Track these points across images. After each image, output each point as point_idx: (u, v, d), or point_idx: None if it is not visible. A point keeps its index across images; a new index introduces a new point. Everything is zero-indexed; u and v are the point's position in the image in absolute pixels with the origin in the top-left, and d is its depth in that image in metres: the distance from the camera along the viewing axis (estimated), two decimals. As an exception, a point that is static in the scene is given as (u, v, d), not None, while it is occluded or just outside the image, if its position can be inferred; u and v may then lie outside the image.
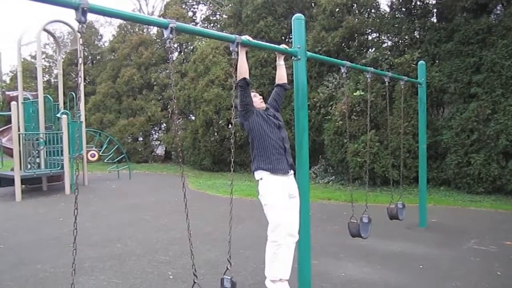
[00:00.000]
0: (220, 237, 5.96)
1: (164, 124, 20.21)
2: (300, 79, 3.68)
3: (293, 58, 3.70)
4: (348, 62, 4.46)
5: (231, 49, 3.16)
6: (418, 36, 11.16)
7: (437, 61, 10.61)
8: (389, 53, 11.21)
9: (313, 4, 14.43)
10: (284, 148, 3.62)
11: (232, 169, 3.34)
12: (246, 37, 3.27)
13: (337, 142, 10.91)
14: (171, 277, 4.42)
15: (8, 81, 31.48)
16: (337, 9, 12.42)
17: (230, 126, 14.92)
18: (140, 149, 19.39)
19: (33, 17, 47.99)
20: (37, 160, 11.08)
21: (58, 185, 11.61)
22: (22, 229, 6.83)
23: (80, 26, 2.22)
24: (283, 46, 3.74)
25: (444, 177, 9.96)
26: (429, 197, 8.26)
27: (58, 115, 11.20)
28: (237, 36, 3.16)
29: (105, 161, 15.54)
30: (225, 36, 3.29)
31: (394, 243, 5.63)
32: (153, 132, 20.85)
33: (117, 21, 24.01)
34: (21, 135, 10.73)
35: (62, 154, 10.66)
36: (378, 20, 11.75)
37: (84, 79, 22.93)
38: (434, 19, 11.43)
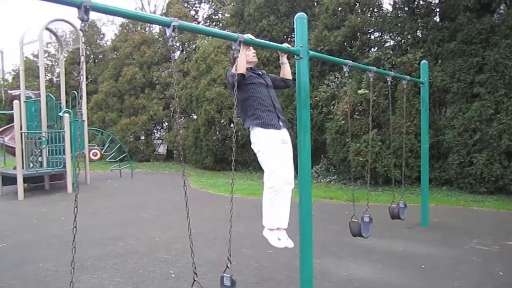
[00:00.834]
0: (222, 236, 5.96)
1: (166, 123, 20.24)
2: (302, 78, 3.67)
3: (295, 57, 3.69)
4: (351, 61, 4.45)
5: (233, 47, 3.16)
6: (420, 36, 11.13)
7: (439, 61, 10.58)
8: (391, 52, 11.18)
9: (315, 3, 14.41)
10: (273, 105, 3.67)
11: (233, 168, 3.34)
12: (248, 36, 3.26)
13: (339, 142, 10.90)
14: (173, 275, 4.43)
15: (10, 80, 31.57)
16: (339, 8, 12.40)
17: (232, 125, 14.93)
18: (142, 148, 19.41)
19: (36, 16, 48.07)
20: (39, 158, 11.11)
21: (60, 184, 11.63)
22: (24, 227, 6.85)
23: (83, 24, 2.21)
24: (285, 45, 3.74)
25: (446, 177, 9.94)
26: (431, 197, 8.25)
27: (60, 114, 11.22)
28: (239, 34, 3.15)
29: (107, 160, 15.56)
30: (227, 35, 3.29)
31: (395, 242, 5.62)
32: (155, 131, 20.88)
33: (119, 20, 24.06)
34: (23, 134, 10.76)
35: (64, 153, 10.67)
36: (380, 19, 11.73)
37: (86, 78, 22.96)
38: (437, 19, 11.40)
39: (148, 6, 26.62)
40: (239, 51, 3.18)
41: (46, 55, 25.44)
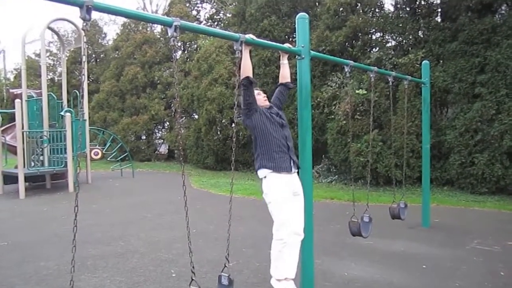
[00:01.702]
0: (223, 235, 5.96)
1: (168, 123, 20.24)
2: (303, 78, 3.68)
3: (296, 57, 3.70)
4: (352, 62, 4.45)
5: (235, 47, 3.15)
6: (422, 36, 11.12)
7: (441, 61, 10.57)
8: (393, 52, 11.19)
9: (317, 3, 14.40)
10: (287, 146, 3.60)
11: (233, 168, 3.34)
12: (250, 36, 3.26)
13: (340, 142, 10.90)
14: (174, 275, 4.43)
15: (12, 79, 31.60)
16: (341, 8, 12.40)
17: (233, 125, 14.93)
18: (143, 148, 19.43)
19: (38, 15, 48.15)
20: (41, 158, 11.12)
21: (61, 183, 11.64)
22: (25, 226, 6.86)
23: (85, 24, 2.22)
24: (287, 45, 3.74)
25: (448, 177, 9.94)
26: (432, 197, 8.25)
27: (62, 113, 11.23)
28: (241, 34, 3.16)
29: (108, 159, 15.58)
30: (229, 35, 3.29)
31: (397, 242, 5.62)
32: (156, 131, 20.89)
33: (121, 20, 24.04)
34: (25, 133, 10.78)
35: (65, 152, 10.69)
36: (382, 20, 11.73)
37: (88, 77, 22.97)
38: (439, 19, 11.39)
39: (150, 6, 26.63)
40: (241, 51, 3.17)
41: (48, 54, 25.44)
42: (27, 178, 10.25)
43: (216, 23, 21.00)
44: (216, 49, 15.30)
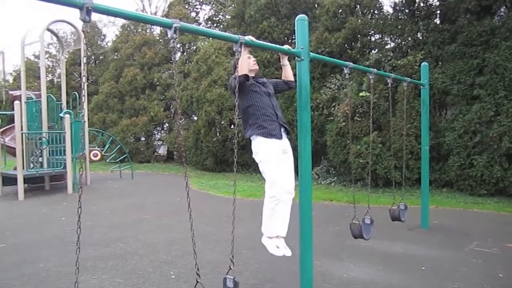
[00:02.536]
0: (222, 237, 5.96)
1: (167, 124, 20.24)
2: (303, 79, 3.68)
3: (296, 58, 3.70)
4: (351, 63, 4.45)
5: (234, 49, 3.16)
6: (421, 38, 11.14)
7: (440, 63, 10.59)
8: (392, 54, 11.20)
9: (316, 5, 14.43)
10: (275, 114, 3.67)
11: (235, 169, 3.33)
12: (249, 38, 3.27)
13: (340, 143, 10.91)
14: (173, 277, 4.43)
15: (11, 81, 31.58)
16: (340, 10, 12.42)
17: (232, 126, 14.94)
18: (142, 149, 19.41)
19: (37, 17, 48.15)
20: (40, 159, 11.11)
21: (60, 185, 11.64)
22: (24, 228, 6.86)
23: (84, 25, 2.22)
24: (286, 46, 3.75)
25: (447, 178, 9.95)
26: (432, 199, 8.25)
27: (61, 114, 11.23)
28: (240, 36, 3.16)
29: (108, 160, 15.58)
30: (228, 36, 3.29)
31: (396, 244, 5.63)
32: (156, 132, 20.89)
33: (120, 21, 24.13)
34: (24, 135, 10.77)
35: (64, 154, 10.68)
36: (381, 22, 11.74)
37: (87, 79, 22.99)
38: (438, 21, 11.41)
39: (149, 8, 26.67)
40: (240, 52, 3.18)
41: (47, 56, 25.48)
42: (26, 180, 10.24)
43: (215, 25, 21.04)
44: (215, 50, 15.32)
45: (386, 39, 12.06)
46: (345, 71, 4.40)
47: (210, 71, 15.15)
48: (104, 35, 26.96)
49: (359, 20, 11.94)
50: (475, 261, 4.89)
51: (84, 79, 2.44)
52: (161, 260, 4.99)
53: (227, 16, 19.00)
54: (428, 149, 6.71)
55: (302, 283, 3.68)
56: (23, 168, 10.24)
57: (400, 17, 11.55)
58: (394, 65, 10.61)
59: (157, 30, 21.67)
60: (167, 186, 11.99)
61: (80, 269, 4.52)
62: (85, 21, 2.20)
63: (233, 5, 16.93)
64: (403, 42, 11.48)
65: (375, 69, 5.05)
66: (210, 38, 15.91)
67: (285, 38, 14.29)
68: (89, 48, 24.05)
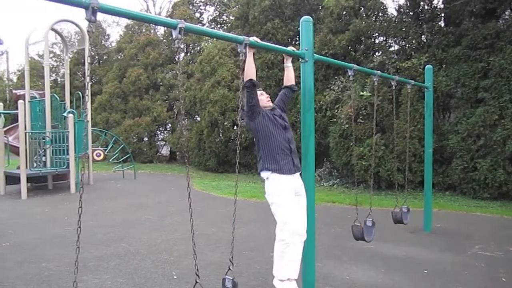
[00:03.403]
0: (224, 238, 5.96)
1: (170, 125, 20.27)
2: (307, 81, 3.68)
3: (300, 60, 3.70)
4: (355, 65, 4.45)
5: (238, 50, 3.16)
6: (425, 40, 11.12)
7: (444, 66, 10.56)
8: (396, 56, 11.19)
9: (320, 6, 14.42)
10: (290, 148, 3.58)
11: (237, 170, 3.33)
12: (254, 39, 3.26)
13: (343, 145, 10.90)
14: (175, 277, 4.43)
15: (15, 80, 31.71)
16: (344, 12, 12.42)
17: (235, 127, 14.94)
18: (145, 149, 19.44)
19: (41, 16, 48.33)
20: (43, 158, 11.14)
21: (63, 184, 11.66)
22: (27, 227, 6.87)
23: (89, 25, 2.23)
24: (290, 48, 3.74)
25: (450, 182, 9.92)
26: (434, 202, 8.22)
27: (65, 114, 11.26)
28: (245, 37, 3.16)
29: (110, 160, 15.60)
30: (233, 37, 3.29)
31: (398, 247, 5.61)
32: (159, 133, 20.91)
33: (125, 21, 24.16)
34: (27, 134, 10.80)
35: (68, 153, 10.71)
36: (385, 24, 11.73)
37: (91, 78, 23.05)
38: (442, 24, 11.40)
39: (153, 8, 26.71)
40: (245, 54, 3.18)
41: (51, 55, 25.53)
42: (29, 179, 10.27)
43: (219, 26, 21.05)
44: (219, 51, 15.33)
45: (390, 41, 12.05)
46: (349, 73, 4.40)
47: (213, 71, 15.16)
48: (108, 35, 27.05)
49: (363, 22, 11.93)
50: (478, 265, 4.87)
51: (87, 78, 2.44)
52: (163, 260, 4.99)
53: (231, 17, 19.01)
54: (432, 152, 6.69)
55: (305, 285, 3.68)
56: (26, 167, 10.27)
57: (404, 19, 11.53)
58: (398, 67, 10.59)
59: (161, 30, 21.72)
60: (169, 186, 12.00)
61: (82, 269, 4.56)
62: (91, 21, 2.21)
63: (237, 6, 16.94)
64: (407, 45, 11.46)
65: (379, 71, 5.05)
66: (214, 39, 15.94)
67: (289, 39, 14.29)
68: (93, 48, 24.10)
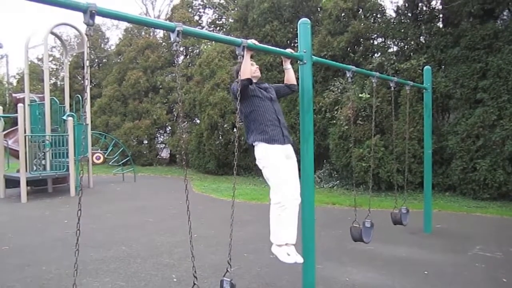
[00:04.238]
0: (224, 240, 5.95)
1: (169, 127, 20.27)
2: (305, 83, 3.69)
3: (298, 62, 3.71)
4: (354, 67, 4.46)
5: (237, 52, 3.17)
6: (424, 41, 11.14)
7: (443, 67, 10.58)
8: (394, 58, 11.20)
9: (319, 8, 14.45)
10: (278, 119, 3.65)
11: (234, 173, 3.32)
12: (252, 41, 3.27)
13: (342, 147, 10.90)
14: (175, 280, 4.43)
15: (15, 83, 31.71)
16: (342, 14, 12.44)
17: (235, 129, 14.95)
18: (145, 152, 19.44)
19: (41, 20, 48.39)
20: (43, 162, 11.14)
21: (63, 187, 11.66)
22: (27, 230, 6.87)
23: (88, 29, 2.24)
24: (289, 50, 3.75)
25: (449, 182, 9.92)
26: (434, 203, 8.22)
27: (64, 117, 11.26)
28: (243, 39, 3.17)
29: (110, 163, 15.59)
30: (231, 40, 3.30)
31: (398, 248, 5.61)
32: (158, 135, 20.90)
33: (124, 25, 24.17)
34: (27, 137, 10.81)
35: (67, 156, 10.71)
36: (384, 25, 11.75)
37: (90, 82, 23.05)
38: (440, 24, 11.41)
39: (152, 11, 26.75)
40: (243, 56, 3.19)
41: (51, 59, 25.57)
42: (29, 182, 10.26)
43: (218, 29, 21.08)
44: (218, 54, 15.35)
45: (389, 42, 12.06)
46: (348, 75, 4.41)
47: (213, 74, 15.18)
48: (108, 39, 27.08)
49: (362, 24, 11.94)
50: (478, 266, 4.87)
51: (87, 81, 2.45)
52: (163, 263, 4.99)
53: (230, 20, 19.03)
54: (431, 153, 6.70)
55: (304, 286, 3.68)
56: (26, 170, 10.27)
57: (403, 20, 11.55)
58: (397, 68, 10.61)
59: (160, 33, 21.74)
60: (169, 189, 12.00)
61: (82, 272, 4.56)
62: (89, 25, 2.21)
63: (236, 9, 16.97)
64: (406, 46, 11.48)
65: (377, 73, 5.05)
66: (213, 42, 15.96)
67: (288, 41, 14.31)
68: (92, 51, 24.14)
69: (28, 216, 8.05)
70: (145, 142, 20.08)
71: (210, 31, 20.28)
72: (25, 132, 10.65)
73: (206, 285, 4.11)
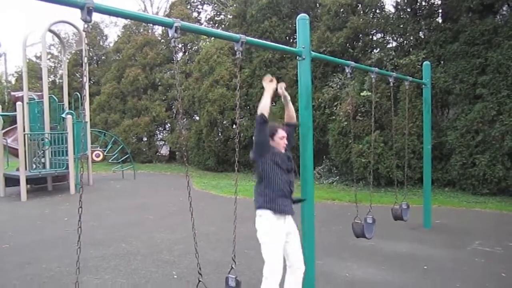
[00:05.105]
0: (224, 237, 5.96)
1: (169, 124, 20.26)
2: (304, 79, 3.68)
3: (297, 58, 3.70)
4: (353, 62, 4.45)
5: (235, 48, 3.15)
6: (423, 37, 11.11)
7: (442, 62, 10.56)
8: (394, 53, 11.18)
9: (317, 4, 14.42)
10: (290, 191, 3.46)
11: (236, 169, 3.28)
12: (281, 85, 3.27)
13: (342, 143, 10.90)
14: (175, 276, 4.43)
15: (13, 82, 31.66)
16: (341, 10, 12.41)
17: (234, 126, 14.94)
18: (144, 149, 19.45)
19: (39, 18, 48.25)
20: (42, 160, 11.13)
21: (63, 185, 11.65)
22: (27, 228, 6.87)
23: (86, 25, 2.23)
24: (282, 84, 3.56)
25: (449, 178, 9.93)
26: (434, 198, 8.23)
27: (63, 115, 11.25)
28: (241, 35, 3.16)
29: (110, 161, 15.59)
30: (229, 36, 3.29)
31: (398, 243, 5.62)
32: (158, 132, 20.91)
33: (122, 22, 24.14)
34: (26, 135, 10.79)
35: (67, 154, 10.70)
36: (383, 21, 11.72)
37: (89, 79, 23.01)
38: (440, 20, 11.39)
39: (150, 8, 26.68)
40: (241, 52, 3.16)
41: (49, 56, 25.54)
42: (28, 181, 10.26)
43: (217, 25, 21.04)
44: (217, 50, 15.33)
45: (388, 38, 12.04)
46: (347, 71, 4.40)
47: (211, 71, 15.16)
48: (106, 36, 27.02)
49: (361, 20, 11.91)
50: (478, 260, 4.88)
51: (85, 79, 2.44)
52: (163, 260, 5.00)
53: (228, 16, 18.99)
54: (430, 148, 6.70)
55: (305, 282, 3.68)
56: (26, 169, 10.26)
57: (402, 16, 11.52)
58: (396, 64, 10.59)
59: (158, 30, 21.70)
60: (169, 186, 12.00)
61: (83, 269, 4.55)
62: (86, 21, 2.21)
63: (234, 5, 16.92)
64: (405, 41, 11.46)
65: (376, 68, 5.04)
66: (212, 38, 15.93)
67: (287, 37, 14.29)
68: (91, 49, 24.07)
69: (28, 215, 8.05)
70: (145, 139, 20.08)
71: (209, 27, 20.23)
72: (24, 131, 10.64)
73: (207, 282, 4.09)
